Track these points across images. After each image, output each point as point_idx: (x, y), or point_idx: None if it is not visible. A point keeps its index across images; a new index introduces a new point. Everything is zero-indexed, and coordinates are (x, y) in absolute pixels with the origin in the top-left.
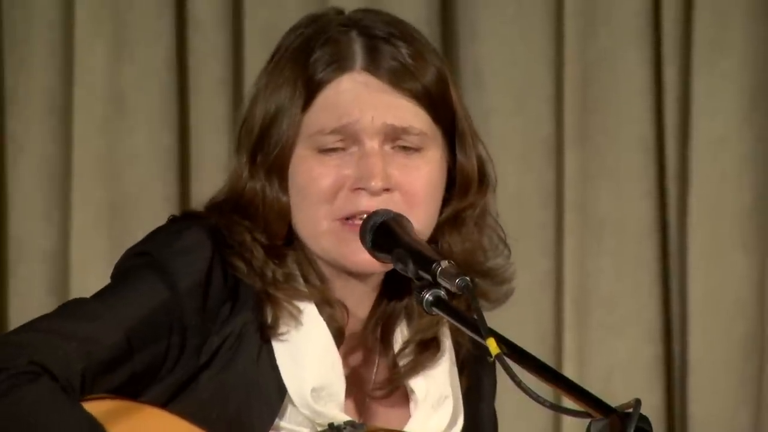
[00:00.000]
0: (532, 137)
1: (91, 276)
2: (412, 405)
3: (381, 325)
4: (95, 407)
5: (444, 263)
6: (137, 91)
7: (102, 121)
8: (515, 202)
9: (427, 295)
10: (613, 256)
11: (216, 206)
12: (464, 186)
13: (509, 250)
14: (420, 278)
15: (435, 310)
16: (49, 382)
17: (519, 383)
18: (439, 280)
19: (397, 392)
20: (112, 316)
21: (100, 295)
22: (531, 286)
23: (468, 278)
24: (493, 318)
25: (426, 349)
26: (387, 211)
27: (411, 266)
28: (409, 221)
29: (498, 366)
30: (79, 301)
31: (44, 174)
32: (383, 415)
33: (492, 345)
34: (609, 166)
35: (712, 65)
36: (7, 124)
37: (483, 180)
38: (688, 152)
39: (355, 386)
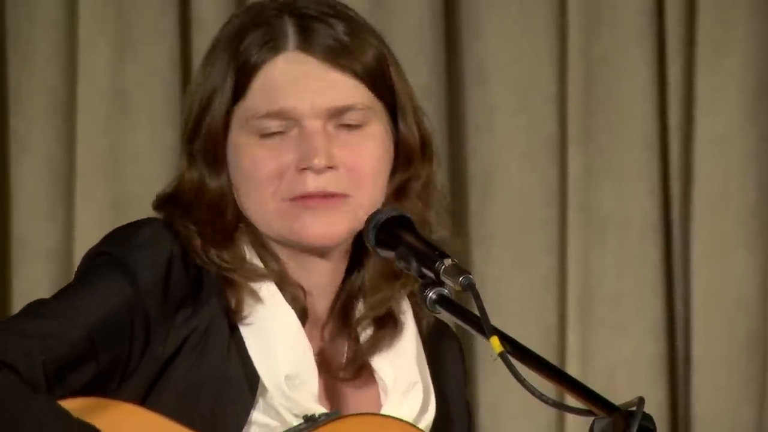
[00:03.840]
0: (535, 135)
1: None
2: (381, 393)
3: (340, 306)
4: (68, 404)
5: (447, 261)
6: (141, 90)
7: (105, 120)
8: (518, 199)
9: (430, 294)
10: (616, 254)
11: (159, 201)
12: (407, 157)
13: (450, 221)
14: (423, 276)
15: (439, 309)
16: (9, 374)
17: (522, 381)
18: (443, 278)
19: (365, 375)
20: (74, 313)
21: (60, 294)
22: (534, 284)
23: (471, 276)
24: (497, 316)
25: (384, 326)
26: (390, 210)
27: (414, 264)
28: (411, 220)
29: (500, 365)
30: (41, 301)
31: (47, 173)
32: (353, 398)
33: (495, 343)
34: (612, 164)
35: (715, 63)
36: (11, 122)
37: (426, 151)
38: (692, 150)
39: (324, 370)
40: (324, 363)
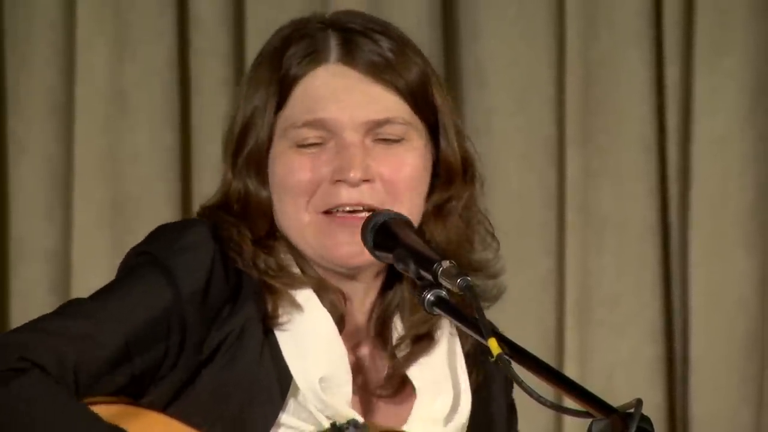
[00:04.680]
0: (533, 137)
1: (92, 275)
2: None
3: (378, 321)
4: (97, 411)
5: (445, 263)
6: (139, 91)
7: (104, 121)
8: (517, 201)
9: (428, 296)
10: (614, 255)
11: (205, 210)
12: (448, 176)
13: (498, 244)
14: (421, 278)
15: (436, 310)
16: (40, 374)
17: (520, 383)
18: (441, 280)
19: (404, 390)
20: (109, 315)
21: (98, 294)
22: (532, 285)
23: (469, 278)
24: (495, 317)
25: (420, 341)
26: (388, 212)
27: (412, 266)
28: (410, 221)
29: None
30: (77, 301)
31: (46, 173)
32: (389, 411)
33: (493, 345)
34: (611, 165)
35: (713, 65)
36: (9, 123)
37: (468, 172)
38: (690, 151)
39: (361, 382)
40: (361, 375)
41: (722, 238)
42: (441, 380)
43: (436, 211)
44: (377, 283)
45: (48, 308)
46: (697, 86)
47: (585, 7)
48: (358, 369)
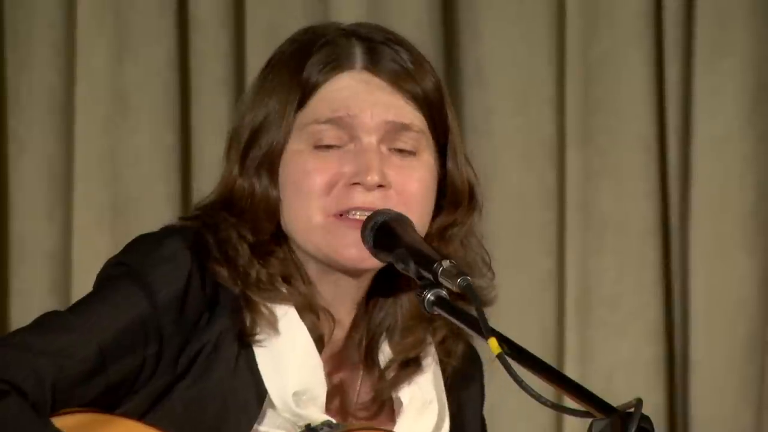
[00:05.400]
0: (533, 137)
1: (92, 276)
2: (397, 418)
3: (365, 344)
4: (68, 421)
5: (445, 263)
6: (139, 91)
7: (104, 121)
8: (517, 201)
9: (428, 295)
10: (615, 255)
11: (204, 208)
12: (454, 199)
13: (493, 274)
14: (421, 277)
15: (437, 310)
16: (17, 399)
17: (520, 383)
18: (441, 279)
19: (384, 412)
20: (86, 328)
21: (75, 307)
22: (533, 286)
23: (469, 278)
24: (495, 317)
25: (408, 366)
26: (388, 211)
27: (412, 266)
28: (410, 221)
29: (498, 367)
30: (54, 314)
31: (46, 173)
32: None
33: (493, 344)
34: (611, 165)
35: (713, 65)
36: (9, 123)
37: (472, 199)
38: (690, 152)
39: (340, 404)
40: (340, 396)
41: (722, 238)
42: (427, 399)
43: (440, 233)
44: (361, 294)
45: (48, 308)
46: (697, 86)
47: (585, 7)
48: (337, 390)
